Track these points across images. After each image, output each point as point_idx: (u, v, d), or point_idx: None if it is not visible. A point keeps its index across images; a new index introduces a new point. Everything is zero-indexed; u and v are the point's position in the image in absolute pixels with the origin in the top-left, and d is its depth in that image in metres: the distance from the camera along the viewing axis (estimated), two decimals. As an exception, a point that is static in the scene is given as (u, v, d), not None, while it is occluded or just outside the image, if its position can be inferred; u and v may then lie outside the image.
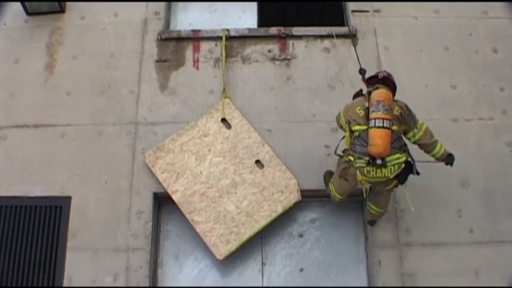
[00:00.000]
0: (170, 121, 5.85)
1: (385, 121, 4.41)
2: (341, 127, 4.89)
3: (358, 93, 4.95)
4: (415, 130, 4.74)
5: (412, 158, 4.74)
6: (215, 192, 5.51)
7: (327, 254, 5.59)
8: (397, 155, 4.57)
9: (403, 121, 4.65)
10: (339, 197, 5.12)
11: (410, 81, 5.95)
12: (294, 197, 5.51)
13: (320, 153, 5.69)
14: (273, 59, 6.10)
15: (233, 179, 5.55)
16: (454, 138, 5.73)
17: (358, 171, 4.65)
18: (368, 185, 4.91)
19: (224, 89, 5.90)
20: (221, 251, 5.32)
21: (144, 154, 5.70)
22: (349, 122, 4.69)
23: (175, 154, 5.66)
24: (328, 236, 5.64)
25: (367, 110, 4.56)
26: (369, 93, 4.64)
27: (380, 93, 4.53)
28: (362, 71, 5.05)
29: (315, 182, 5.58)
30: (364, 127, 4.56)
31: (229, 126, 5.76)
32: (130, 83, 6.05)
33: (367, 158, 4.53)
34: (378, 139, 4.42)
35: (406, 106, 4.71)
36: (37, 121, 5.90)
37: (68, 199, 5.60)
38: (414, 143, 4.81)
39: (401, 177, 4.73)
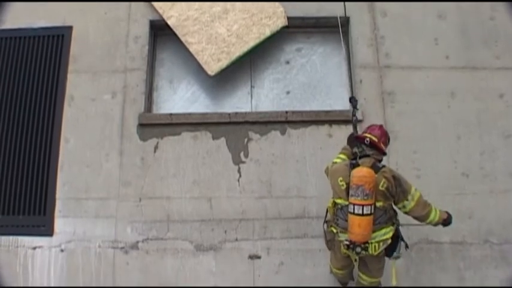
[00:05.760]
0: (166, -40, 5.60)
1: (364, 208, 3.63)
2: None
3: (351, 138, 4.22)
4: (406, 202, 3.87)
5: (399, 232, 3.95)
6: (207, 17, 5.26)
7: (312, 78, 5.40)
8: (383, 230, 3.82)
9: (390, 195, 3.80)
10: (338, 273, 4.35)
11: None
12: (281, 22, 5.24)
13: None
14: None
15: (224, 6, 5.29)
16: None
17: (341, 245, 3.93)
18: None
19: None
20: (212, 67, 5.11)
21: (141, -11, 5.48)
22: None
23: (171, -14, 5.40)
24: (313, 62, 5.42)
25: (349, 185, 3.76)
26: (352, 164, 3.85)
27: (360, 176, 3.66)
28: (353, 101, 4.49)
29: (301, 11, 5.38)
30: (346, 202, 3.78)
31: (222, -40, 5.49)
32: None
33: (346, 242, 3.80)
34: (357, 228, 3.67)
35: (394, 177, 3.82)
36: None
37: (69, 28, 5.38)
38: (406, 213, 3.96)
39: (389, 251, 3.94)
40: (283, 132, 5.05)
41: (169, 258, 4.84)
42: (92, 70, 5.25)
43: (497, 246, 4.86)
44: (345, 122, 4.98)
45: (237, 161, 4.99)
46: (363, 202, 3.62)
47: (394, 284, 4.05)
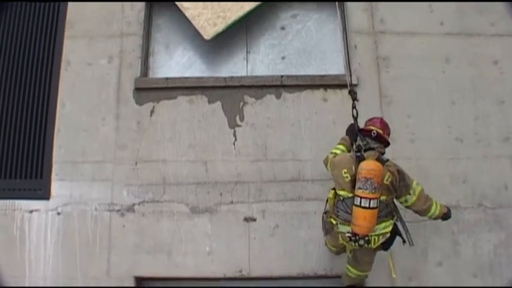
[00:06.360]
0: None
1: (371, 201, 3.56)
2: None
3: (351, 129, 4.13)
4: (408, 196, 3.85)
5: (402, 223, 3.95)
6: (203, -18, 5.26)
7: (307, 44, 5.35)
8: (384, 224, 3.76)
9: (393, 189, 3.76)
10: (333, 249, 4.36)
11: None
12: (277, -13, 5.25)
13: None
14: None
15: (220, -30, 5.28)
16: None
17: (340, 236, 3.89)
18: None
19: None
20: (208, 32, 5.05)
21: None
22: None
23: (168, -45, 5.37)
24: (308, 28, 5.38)
25: (354, 177, 3.69)
26: (358, 157, 3.76)
27: (369, 169, 3.58)
28: (353, 93, 4.33)
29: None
30: (350, 194, 3.71)
31: None
32: None
33: (349, 234, 3.71)
34: (362, 220, 3.60)
35: (399, 171, 3.79)
36: None
37: (66, -6, 5.40)
38: (407, 207, 3.95)
39: (386, 244, 3.89)
40: (278, 96, 5.03)
41: (165, 220, 4.83)
42: (89, 35, 5.22)
43: (491, 210, 4.86)
44: (340, 86, 4.95)
45: (233, 125, 4.98)
46: (371, 195, 3.55)
47: (393, 276, 4.07)
